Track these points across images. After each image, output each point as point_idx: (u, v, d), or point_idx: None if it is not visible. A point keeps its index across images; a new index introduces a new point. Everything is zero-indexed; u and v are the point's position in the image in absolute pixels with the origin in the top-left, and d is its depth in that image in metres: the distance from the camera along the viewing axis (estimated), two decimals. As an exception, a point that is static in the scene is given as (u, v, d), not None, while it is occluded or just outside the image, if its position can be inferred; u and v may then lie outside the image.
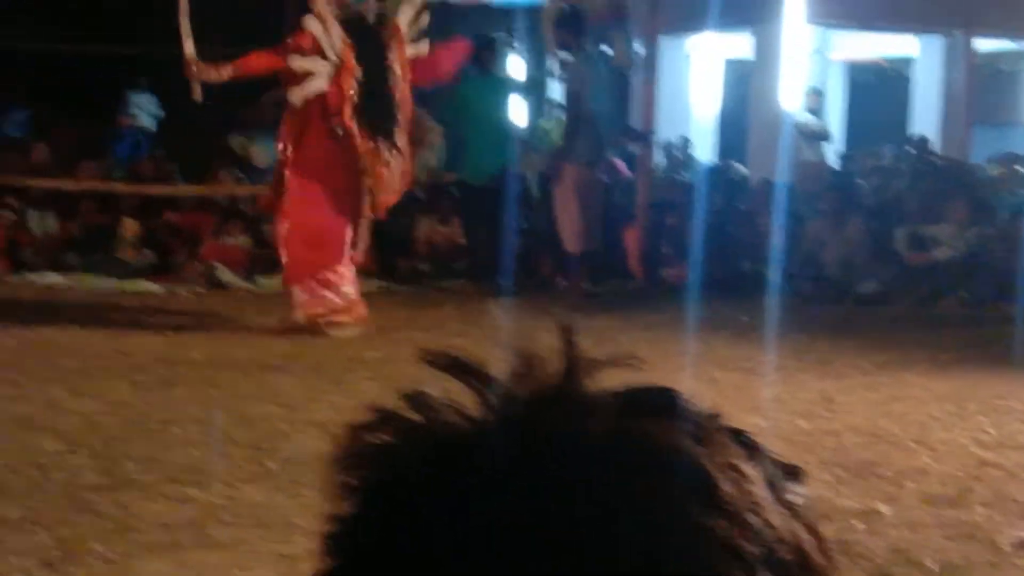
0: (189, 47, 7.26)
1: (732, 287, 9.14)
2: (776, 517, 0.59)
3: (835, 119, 13.75)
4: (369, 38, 7.49)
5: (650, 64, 10.23)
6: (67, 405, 5.44)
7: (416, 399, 0.65)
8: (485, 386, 0.64)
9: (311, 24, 7.29)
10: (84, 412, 5.32)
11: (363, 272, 10.15)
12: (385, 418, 0.65)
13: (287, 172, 7.41)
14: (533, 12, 13.83)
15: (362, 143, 7.40)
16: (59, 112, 14.24)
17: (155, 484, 4.32)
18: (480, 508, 0.59)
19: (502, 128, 9.66)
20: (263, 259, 10.18)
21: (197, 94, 7.31)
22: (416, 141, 11.74)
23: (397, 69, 7.55)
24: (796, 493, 0.62)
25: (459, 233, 10.32)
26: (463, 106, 9.76)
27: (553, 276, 9.96)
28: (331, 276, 7.46)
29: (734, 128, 13.50)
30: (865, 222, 10.01)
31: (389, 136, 7.51)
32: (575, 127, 9.40)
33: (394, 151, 7.54)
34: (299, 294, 7.42)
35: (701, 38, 13.00)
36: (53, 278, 9.56)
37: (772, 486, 0.61)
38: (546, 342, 0.66)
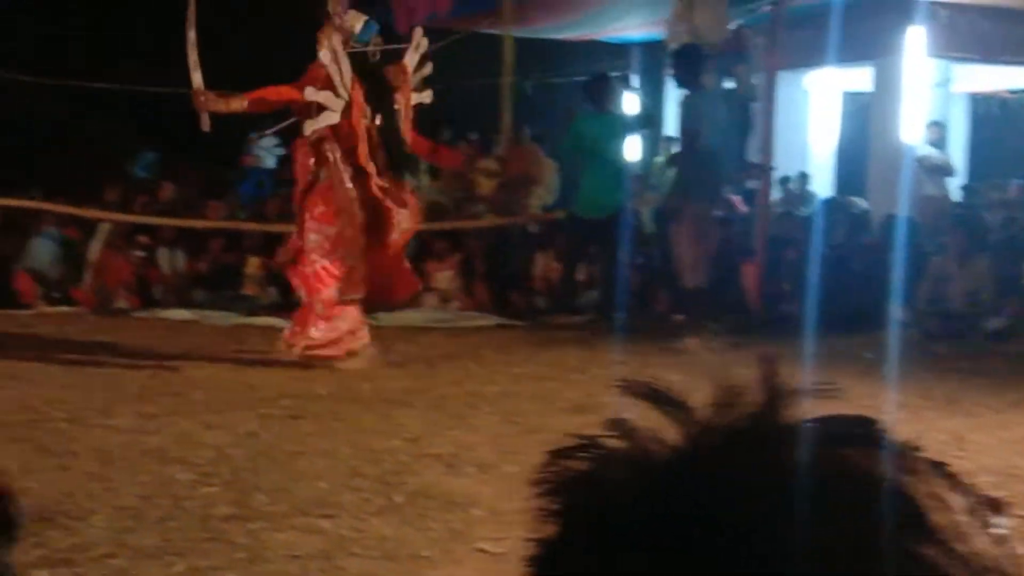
0: (197, 78, 7.35)
1: (854, 323, 8.98)
2: (982, 546, 0.60)
3: (958, 152, 13.47)
4: (374, 78, 7.56)
5: (768, 99, 10.16)
6: (198, 437, 5.58)
7: (618, 426, 0.66)
8: (684, 415, 0.65)
9: (324, 58, 7.34)
10: (215, 444, 5.45)
11: (480, 307, 10.28)
12: (586, 444, 0.67)
13: (305, 214, 7.50)
14: (648, 48, 13.87)
15: (378, 182, 7.50)
16: (185, 154, 14.65)
17: (285, 515, 4.40)
18: (683, 536, 0.60)
19: (616, 164, 9.69)
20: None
21: (205, 125, 7.39)
22: (529, 178, 11.87)
23: (402, 110, 7.64)
24: (999, 524, 0.63)
25: (577, 269, 10.35)
26: (577, 143, 9.85)
27: (670, 312, 9.92)
28: (332, 311, 7.53)
29: (853, 162, 13.31)
30: (992, 257, 9.78)
31: (398, 176, 7.65)
32: (692, 164, 9.38)
33: (404, 190, 7.68)
34: (315, 331, 7.53)
35: (820, 73, 12.88)
36: (181, 313, 9.83)
37: (975, 516, 0.62)
38: (743, 373, 0.67)
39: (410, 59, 7.67)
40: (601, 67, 12.28)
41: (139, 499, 4.58)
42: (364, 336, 7.70)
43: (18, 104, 14.87)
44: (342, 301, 7.55)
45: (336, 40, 7.36)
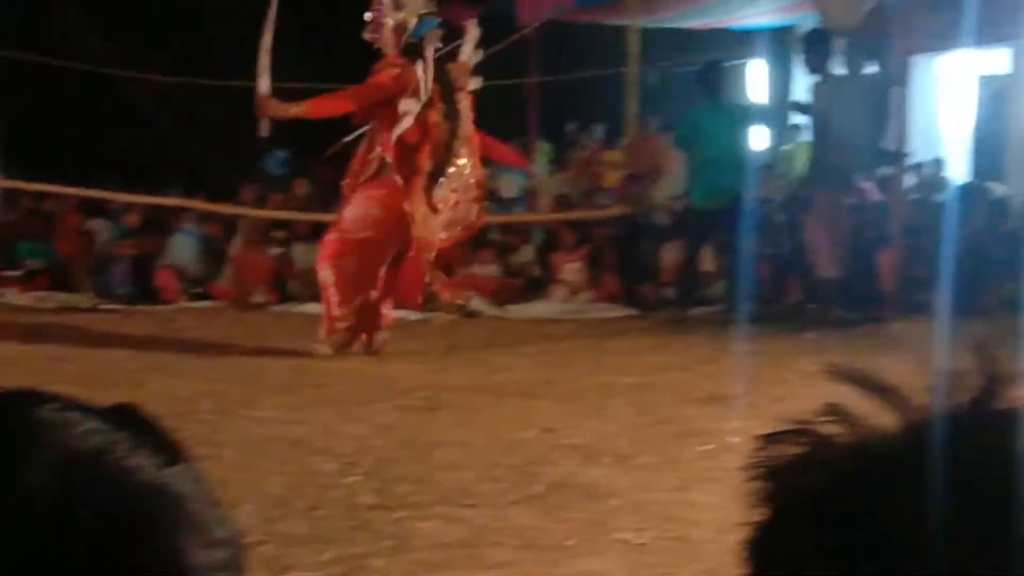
0: (264, 83, 7.45)
1: (994, 311, 8.77)
2: None
3: (1101, 134, 13.00)
4: (438, 74, 7.57)
5: (902, 84, 9.96)
6: (340, 428, 5.71)
7: (831, 411, 0.68)
8: (900, 402, 0.67)
9: (418, 69, 7.40)
10: (356, 435, 5.57)
11: (609, 298, 10.28)
12: (801, 429, 0.69)
13: (359, 191, 7.58)
14: (776, 35, 13.68)
15: (413, 184, 7.50)
16: (316, 150, 14.93)
17: (428, 505, 4.48)
18: (903, 522, 0.61)
19: (730, 154, 9.56)
20: (512, 288, 10.42)
21: (265, 130, 7.55)
22: (656, 169, 11.82)
23: (463, 104, 7.63)
24: None
25: (706, 259, 10.29)
26: (692, 133, 9.84)
27: (802, 302, 9.79)
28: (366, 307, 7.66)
29: (989, 147, 12.96)
30: None
31: (442, 172, 7.65)
32: (823, 151, 9.24)
33: (448, 189, 7.66)
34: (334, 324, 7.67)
35: (953, 56, 12.57)
36: (317, 308, 10.02)
37: None
38: (957, 358, 0.68)
39: (466, 53, 7.69)
40: (728, 54, 12.17)
41: (286, 488, 4.71)
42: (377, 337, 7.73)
43: (156, 103, 15.33)
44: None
45: (430, 50, 7.44)
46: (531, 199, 12.65)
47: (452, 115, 7.62)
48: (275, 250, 10.69)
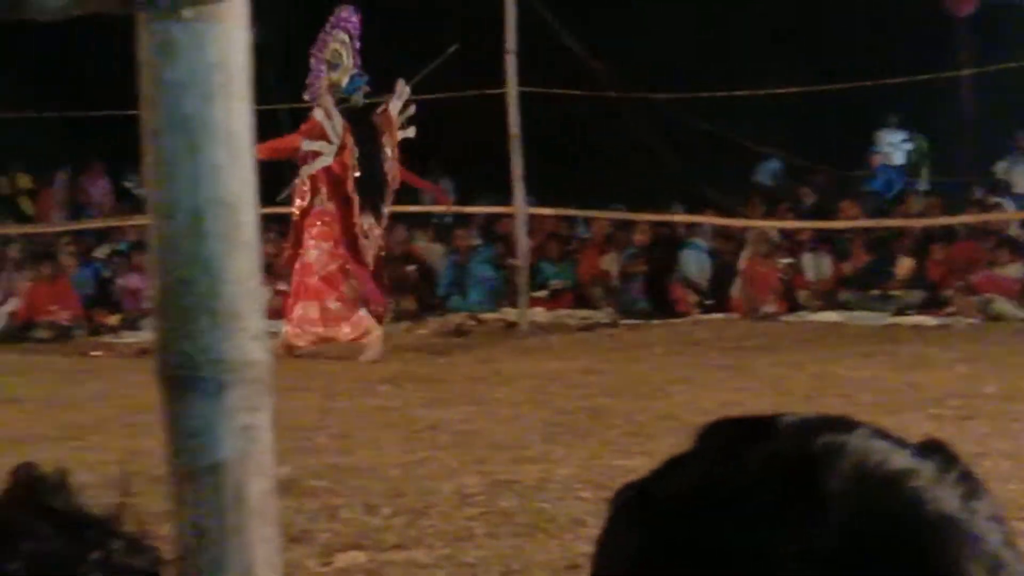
0: None
1: None
2: None
3: None
4: (363, 123, 8.77)
5: None
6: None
7: None
8: None
9: (317, 113, 8.56)
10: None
11: None
12: None
13: (304, 232, 8.67)
14: None
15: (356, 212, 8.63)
16: (811, 156, 14.77)
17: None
18: None
19: None
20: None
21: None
22: None
23: (388, 151, 8.79)
24: None
25: None
26: None
27: None
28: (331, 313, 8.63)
29: None
30: None
31: (376, 208, 8.76)
32: None
33: (377, 222, 8.78)
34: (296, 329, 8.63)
35: None
36: (829, 316, 9.97)
37: None
38: None
39: (393, 106, 8.85)
40: None
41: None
42: (372, 339, 8.64)
43: (654, 122, 15.80)
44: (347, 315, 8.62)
45: (328, 98, 8.58)
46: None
47: (375, 155, 8.72)
48: (783, 260, 10.74)
